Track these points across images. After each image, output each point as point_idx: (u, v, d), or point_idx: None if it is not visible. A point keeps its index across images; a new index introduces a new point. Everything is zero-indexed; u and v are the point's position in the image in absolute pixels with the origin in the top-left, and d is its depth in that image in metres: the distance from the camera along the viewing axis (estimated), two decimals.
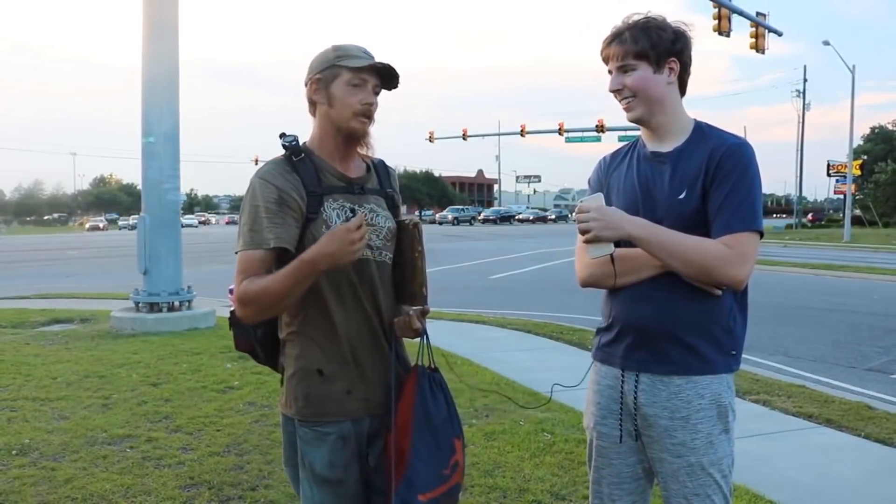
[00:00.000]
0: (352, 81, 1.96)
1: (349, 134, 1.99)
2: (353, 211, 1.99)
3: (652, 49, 1.95)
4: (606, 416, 2.08)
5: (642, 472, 2.07)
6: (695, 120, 2.06)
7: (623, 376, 2.03)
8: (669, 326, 1.94)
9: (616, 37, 1.99)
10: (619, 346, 2.04)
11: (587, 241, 1.92)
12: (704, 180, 1.93)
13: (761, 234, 1.93)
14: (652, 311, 1.95)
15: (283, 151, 2.00)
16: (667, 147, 2.02)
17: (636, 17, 2.00)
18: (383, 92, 2.05)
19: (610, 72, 2.03)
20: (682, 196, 1.94)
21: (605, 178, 2.13)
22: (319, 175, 1.98)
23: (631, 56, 1.96)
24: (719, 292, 1.93)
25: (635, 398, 2.00)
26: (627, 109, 2.02)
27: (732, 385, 2.03)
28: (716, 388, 1.96)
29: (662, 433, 1.97)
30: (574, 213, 1.98)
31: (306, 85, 2.03)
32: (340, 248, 1.83)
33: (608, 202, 1.98)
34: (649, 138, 2.07)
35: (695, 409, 1.94)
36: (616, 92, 2.02)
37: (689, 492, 1.96)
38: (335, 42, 2.03)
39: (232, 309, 2.11)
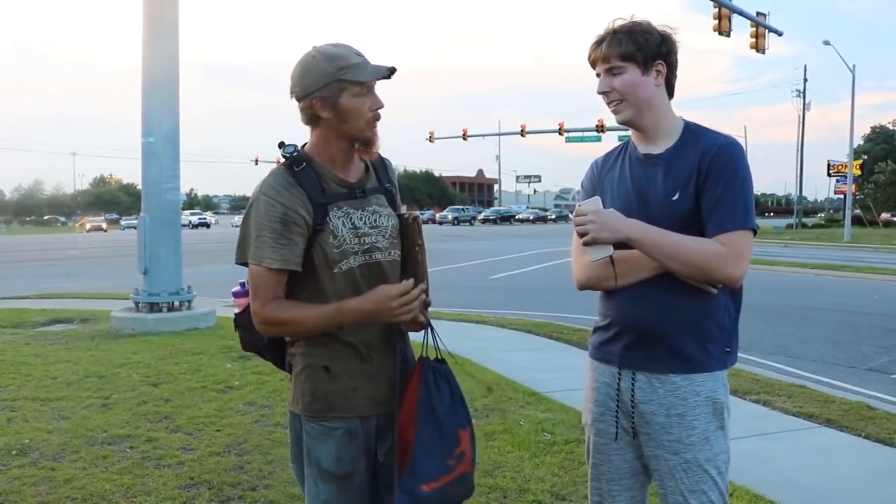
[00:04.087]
0: (360, 93, 1.95)
1: (364, 142, 2.00)
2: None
3: (639, 52, 1.97)
4: (604, 414, 2.09)
5: (641, 468, 2.09)
6: (683, 120, 2.08)
7: (620, 374, 2.05)
8: (668, 326, 1.96)
9: (603, 40, 2.01)
10: (617, 345, 2.05)
11: (586, 244, 1.95)
12: (697, 181, 1.95)
13: (755, 232, 1.95)
14: (651, 312, 1.97)
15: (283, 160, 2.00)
16: (658, 149, 2.04)
17: (621, 21, 2.02)
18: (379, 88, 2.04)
19: (598, 75, 2.05)
20: (675, 197, 1.96)
21: (599, 181, 2.14)
22: (322, 184, 1.98)
23: (618, 59, 1.98)
24: (715, 291, 1.95)
25: (632, 395, 2.02)
26: (616, 112, 2.04)
27: (727, 382, 2.04)
28: (711, 385, 1.98)
29: (659, 430, 1.99)
30: (572, 216, 1.99)
31: (300, 100, 1.98)
32: (375, 310, 1.89)
33: (604, 205, 2.00)
34: (640, 140, 2.09)
35: (690, 406, 1.97)
36: (604, 94, 2.04)
37: (685, 488, 1.98)
38: (329, 41, 2.00)
39: (237, 311, 2.12)
